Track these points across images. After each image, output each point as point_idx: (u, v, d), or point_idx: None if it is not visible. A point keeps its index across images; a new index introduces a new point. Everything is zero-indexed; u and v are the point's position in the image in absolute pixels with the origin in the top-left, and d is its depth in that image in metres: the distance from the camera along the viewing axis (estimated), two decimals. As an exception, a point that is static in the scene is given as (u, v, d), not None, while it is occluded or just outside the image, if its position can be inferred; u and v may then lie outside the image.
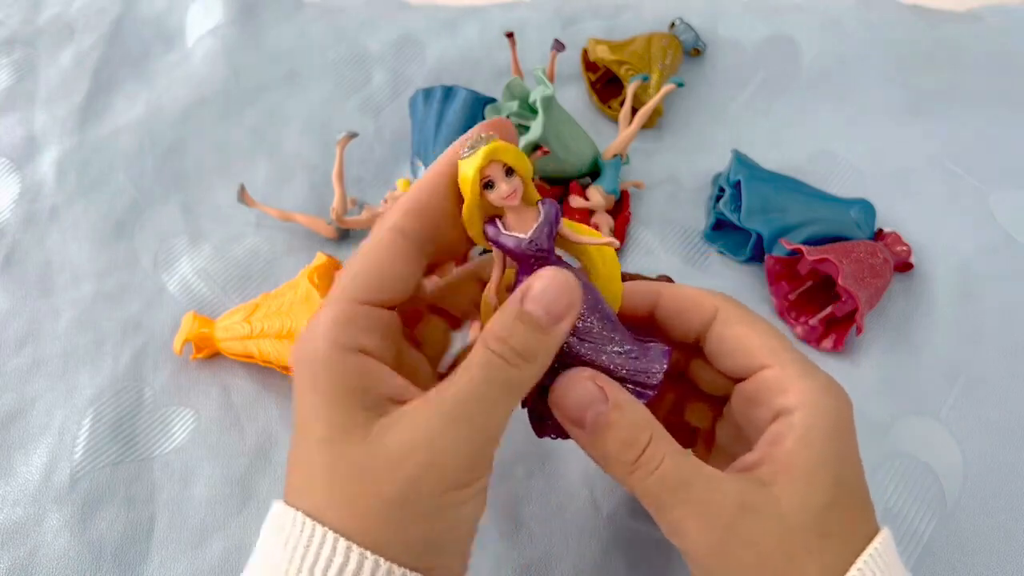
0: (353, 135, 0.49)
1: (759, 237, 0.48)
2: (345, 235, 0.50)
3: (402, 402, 0.26)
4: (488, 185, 0.26)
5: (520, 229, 0.27)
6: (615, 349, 0.28)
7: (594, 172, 0.51)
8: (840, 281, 0.43)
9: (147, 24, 0.62)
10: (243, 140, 0.55)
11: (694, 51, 0.60)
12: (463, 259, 0.36)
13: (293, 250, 0.50)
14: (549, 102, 0.46)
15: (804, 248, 0.45)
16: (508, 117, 0.49)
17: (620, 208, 0.50)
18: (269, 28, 0.62)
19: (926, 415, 0.43)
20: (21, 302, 0.47)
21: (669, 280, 0.45)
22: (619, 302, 0.30)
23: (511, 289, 0.27)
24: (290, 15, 0.62)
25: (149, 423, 0.43)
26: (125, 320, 0.47)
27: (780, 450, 0.27)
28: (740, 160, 0.51)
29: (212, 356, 0.45)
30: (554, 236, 0.27)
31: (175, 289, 0.48)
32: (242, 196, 0.50)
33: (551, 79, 0.52)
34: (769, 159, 0.52)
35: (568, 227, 0.28)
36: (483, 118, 0.51)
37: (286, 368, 0.43)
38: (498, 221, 0.27)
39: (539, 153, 0.46)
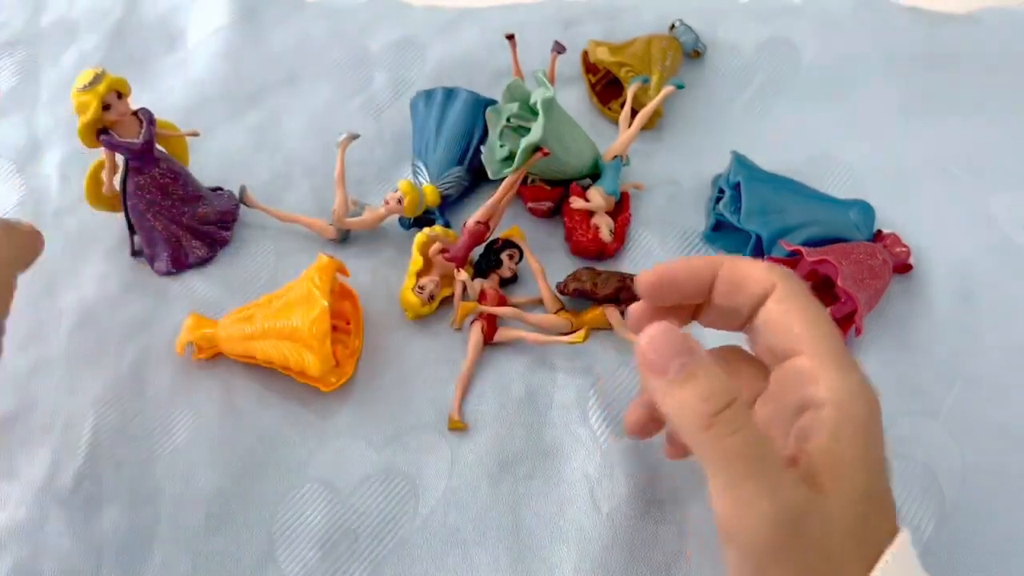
0: (354, 136, 0.49)
1: (759, 238, 0.48)
2: (346, 236, 0.50)
3: None
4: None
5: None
6: (205, 202, 0.47)
7: (594, 174, 0.51)
8: (839, 282, 0.43)
9: (149, 25, 0.62)
10: (245, 141, 0.56)
11: (694, 53, 0.60)
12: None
13: (295, 251, 0.50)
14: (550, 104, 0.47)
15: (803, 249, 0.45)
16: (508, 119, 0.49)
17: (620, 209, 0.50)
18: (271, 29, 0.62)
19: (925, 416, 0.44)
20: (25, 303, 0.47)
21: None
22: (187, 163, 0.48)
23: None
24: (291, 16, 0.63)
25: (151, 423, 0.43)
26: (128, 321, 0.47)
27: (813, 447, 0.27)
28: (740, 161, 0.51)
29: (214, 357, 0.45)
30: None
31: (177, 290, 0.48)
32: (244, 197, 0.50)
33: (551, 81, 0.52)
34: (768, 161, 0.52)
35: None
36: (484, 119, 0.52)
37: (287, 368, 0.43)
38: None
39: (539, 155, 0.46)
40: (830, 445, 0.27)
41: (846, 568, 0.26)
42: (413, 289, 0.46)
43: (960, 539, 0.40)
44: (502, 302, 0.46)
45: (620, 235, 0.49)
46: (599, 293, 0.45)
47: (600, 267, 0.48)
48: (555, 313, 0.46)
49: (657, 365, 0.26)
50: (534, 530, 0.40)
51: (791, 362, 0.29)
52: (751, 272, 0.31)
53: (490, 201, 0.47)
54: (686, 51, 0.59)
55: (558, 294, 0.47)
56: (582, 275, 0.46)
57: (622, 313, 0.46)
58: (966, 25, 0.62)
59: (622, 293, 0.45)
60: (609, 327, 0.46)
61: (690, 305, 0.33)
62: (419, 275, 0.46)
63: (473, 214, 0.48)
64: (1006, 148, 0.55)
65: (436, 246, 0.47)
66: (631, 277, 0.46)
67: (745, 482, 0.25)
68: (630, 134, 0.51)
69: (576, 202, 0.49)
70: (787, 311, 0.29)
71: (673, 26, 0.60)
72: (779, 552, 0.26)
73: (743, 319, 0.32)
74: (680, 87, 0.53)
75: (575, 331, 0.45)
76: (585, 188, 0.50)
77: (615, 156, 0.51)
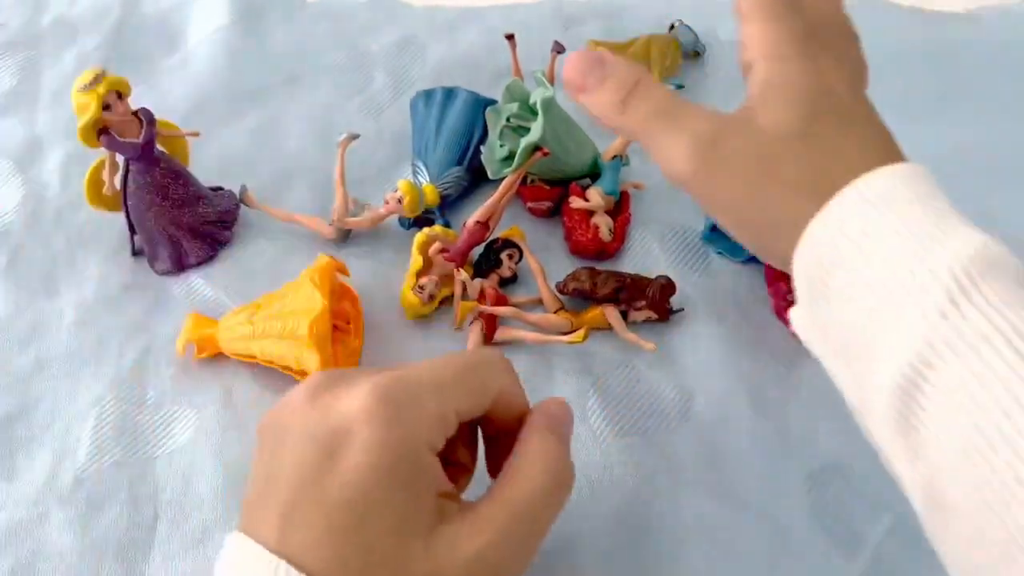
0: (354, 136, 0.49)
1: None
2: (346, 236, 0.50)
3: (447, 496, 0.29)
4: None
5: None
6: (205, 202, 0.48)
7: (594, 173, 0.51)
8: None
9: (149, 26, 0.62)
10: (245, 141, 0.56)
11: (693, 53, 0.60)
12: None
13: (295, 251, 0.50)
14: (549, 104, 0.47)
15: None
16: (508, 119, 0.49)
17: (620, 209, 0.50)
18: (271, 30, 0.62)
19: (925, 415, 0.44)
20: (25, 303, 0.48)
21: (669, 281, 0.46)
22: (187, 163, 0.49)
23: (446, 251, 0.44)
24: (292, 17, 0.63)
25: (152, 423, 0.43)
26: (128, 321, 0.47)
27: (752, 90, 0.31)
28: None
29: (214, 356, 0.45)
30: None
31: (178, 290, 0.48)
32: (244, 197, 0.50)
33: (551, 81, 0.52)
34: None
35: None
36: (484, 119, 0.52)
37: (288, 368, 0.43)
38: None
39: (539, 155, 0.46)
40: (763, 77, 0.31)
41: (788, 169, 0.29)
42: (413, 289, 0.46)
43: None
44: (502, 302, 0.46)
45: (620, 235, 0.49)
46: (598, 293, 0.45)
47: (600, 267, 0.48)
48: (555, 313, 0.46)
49: (578, 83, 0.32)
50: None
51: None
52: None
53: (490, 201, 0.47)
54: (685, 51, 0.59)
55: (557, 294, 0.47)
56: (581, 275, 0.46)
57: (622, 313, 0.46)
58: (966, 24, 0.62)
59: (621, 293, 0.45)
60: (608, 327, 0.46)
61: None
62: (419, 275, 0.46)
63: (473, 214, 0.48)
64: (1006, 147, 0.55)
65: (436, 246, 0.47)
66: (630, 277, 0.46)
67: (663, 135, 0.31)
68: None
69: (575, 202, 0.49)
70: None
71: (673, 26, 0.60)
72: (705, 177, 0.30)
73: None
74: (680, 87, 0.53)
75: (575, 331, 0.45)
76: (584, 188, 0.50)
77: (615, 156, 0.51)
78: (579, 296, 0.46)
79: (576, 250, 0.49)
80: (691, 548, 0.39)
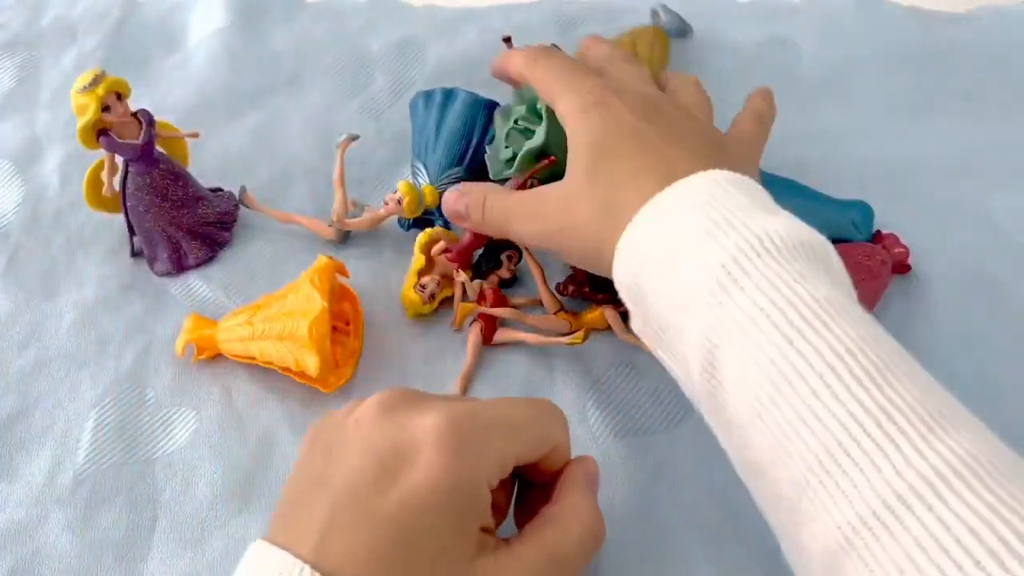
0: (354, 137, 0.49)
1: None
2: (346, 237, 0.50)
3: (487, 531, 0.30)
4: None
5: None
6: (204, 203, 0.49)
7: None
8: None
9: (149, 26, 0.62)
10: (245, 142, 0.56)
11: (680, 34, 0.59)
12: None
13: (294, 252, 0.50)
14: (552, 109, 0.46)
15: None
16: (516, 121, 0.48)
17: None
18: (271, 30, 0.62)
19: (925, 416, 0.44)
20: (24, 304, 0.48)
21: None
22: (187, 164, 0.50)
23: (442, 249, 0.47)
24: (291, 17, 0.63)
25: (151, 424, 0.43)
26: (128, 322, 0.47)
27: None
28: (739, 161, 0.51)
29: (214, 357, 0.45)
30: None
31: (177, 291, 0.48)
32: (244, 197, 0.50)
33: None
34: (766, 160, 0.52)
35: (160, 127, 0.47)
36: (483, 120, 0.52)
37: (287, 369, 0.43)
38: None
39: (546, 163, 0.46)
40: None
41: (581, 207, 0.37)
42: (414, 287, 0.46)
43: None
44: (502, 303, 0.46)
45: None
46: (597, 294, 0.45)
47: None
48: (554, 314, 0.46)
49: (455, 217, 0.43)
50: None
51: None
52: (506, 60, 0.46)
53: None
54: (672, 35, 0.58)
55: (557, 295, 0.47)
56: (580, 275, 0.46)
57: (622, 315, 0.46)
58: (966, 24, 0.62)
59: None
60: (608, 327, 0.46)
61: None
62: (420, 274, 0.46)
63: None
64: (1005, 147, 0.55)
65: (439, 245, 0.47)
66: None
67: (510, 229, 0.41)
68: None
69: None
70: (534, 73, 0.43)
71: (655, 13, 0.58)
72: (542, 240, 0.40)
73: None
74: None
75: (574, 332, 0.45)
76: None
77: None
78: (578, 297, 0.46)
79: None
80: (691, 549, 0.39)
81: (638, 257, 0.33)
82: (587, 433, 0.42)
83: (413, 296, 0.45)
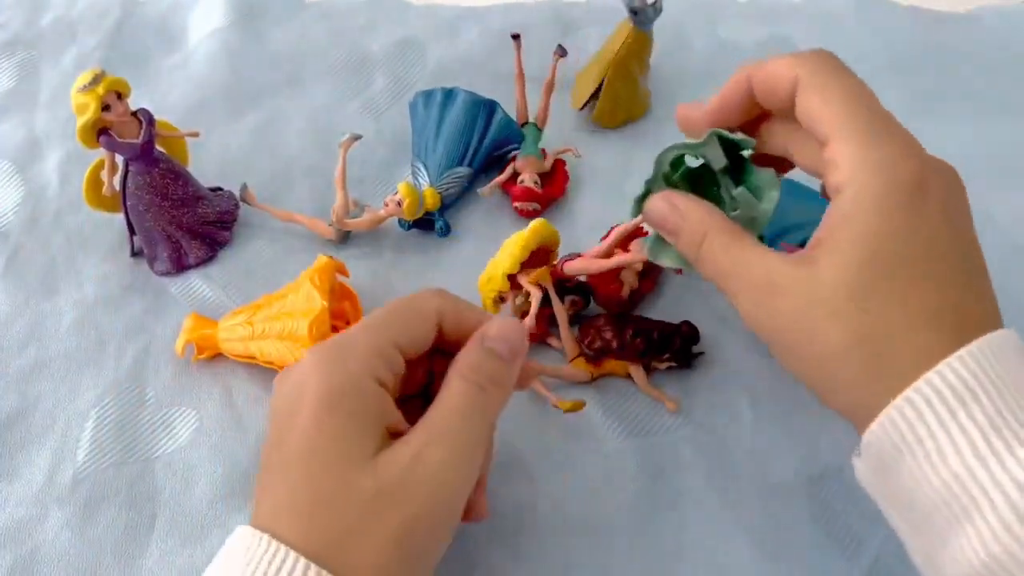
0: (357, 137, 0.49)
1: (759, 237, 0.48)
2: (346, 237, 0.50)
3: (397, 433, 0.30)
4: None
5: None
6: (204, 202, 0.49)
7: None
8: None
9: (149, 26, 0.62)
10: (244, 141, 0.56)
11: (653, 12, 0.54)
12: None
13: (294, 251, 0.50)
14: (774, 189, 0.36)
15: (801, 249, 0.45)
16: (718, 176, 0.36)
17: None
18: (271, 30, 0.62)
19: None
20: (24, 304, 0.48)
21: (692, 329, 0.44)
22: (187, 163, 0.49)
23: None
24: (292, 17, 0.63)
25: (151, 424, 0.43)
26: (128, 321, 0.47)
27: (825, 230, 0.28)
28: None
29: (214, 357, 0.45)
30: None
31: (177, 290, 0.48)
32: (245, 195, 0.50)
33: (551, 86, 0.52)
34: (769, 160, 0.52)
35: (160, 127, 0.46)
36: (482, 120, 0.52)
37: (287, 369, 0.43)
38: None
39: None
40: (837, 223, 0.28)
41: (834, 332, 0.27)
42: (494, 299, 0.44)
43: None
44: (541, 335, 0.45)
45: (651, 276, 0.47)
46: (626, 353, 0.43)
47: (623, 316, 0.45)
48: (572, 360, 0.44)
49: (659, 228, 0.34)
50: (536, 535, 0.39)
51: (822, 154, 0.29)
52: (775, 71, 0.31)
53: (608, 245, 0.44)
54: (647, 21, 0.54)
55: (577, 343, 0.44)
56: (606, 332, 0.43)
57: (647, 368, 0.44)
58: (966, 24, 0.62)
59: (649, 349, 0.43)
60: (627, 376, 0.44)
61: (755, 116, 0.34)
62: (512, 281, 0.43)
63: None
64: (1007, 147, 0.55)
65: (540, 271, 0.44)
66: (657, 330, 0.43)
67: (726, 290, 0.31)
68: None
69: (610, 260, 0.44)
70: (810, 100, 0.29)
71: (636, 12, 0.53)
72: (757, 326, 0.30)
73: (790, 121, 0.32)
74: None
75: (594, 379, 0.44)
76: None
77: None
78: (604, 355, 0.43)
79: (603, 303, 0.46)
80: (693, 550, 0.39)
81: (906, 429, 0.26)
82: (589, 435, 0.42)
83: (488, 301, 0.44)
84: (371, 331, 0.31)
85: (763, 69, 0.31)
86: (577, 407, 0.41)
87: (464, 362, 0.31)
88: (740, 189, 0.33)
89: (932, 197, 0.27)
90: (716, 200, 0.34)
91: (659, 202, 0.33)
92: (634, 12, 0.53)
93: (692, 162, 0.35)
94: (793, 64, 0.30)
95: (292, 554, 0.26)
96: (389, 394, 0.30)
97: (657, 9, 0.53)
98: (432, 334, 0.33)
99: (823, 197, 0.31)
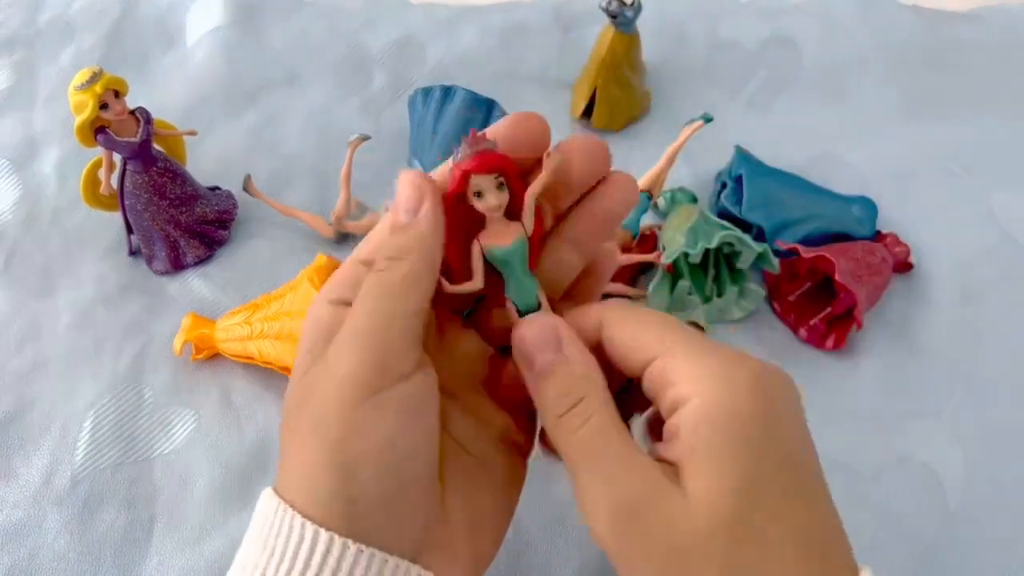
0: (366, 137, 0.49)
1: (760, 231, 0.48)
2: (344, 237, 0.50)
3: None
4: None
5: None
6: (202, 201, 0.48)
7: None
8: (836, 277, 0.43)
9: (147, 25, 0.62)
10: (243, 140, 0.55)
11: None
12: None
13: (293, 251, 0.50)
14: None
15: (800, 247, 0.45)
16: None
17: (646, 245, 0.49)
18: (269, 28, 0.62)
19: (928, 417, 0.43)
20: (22, 303, 0.47)
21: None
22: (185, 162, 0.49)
23: None
24: (290, 15, 0.62)
25: (149, 424, 0.43)
26: (125, 321, 0.47)
27: (679, 447, 0.24)
28: (742, 155, 0.51)
29: (212, 357, 0.45)
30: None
31: (175, 290, 0.48)
32: (248, 186, 0.50)
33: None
34: (769, 159, 0.52)
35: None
36: (480, 118, 0.51)
37: (286, 369, 0.43)
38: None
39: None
40: (689, 438, 0.24)
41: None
42: None
43: (963, 541, 0.39)
44: None
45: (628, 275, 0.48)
46: None
47: None
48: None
49: (526, 357, 0.27)
50: (533, 535, 0.39)
51: (647, 372, 0.26)
52: (583, 314, 0.28)
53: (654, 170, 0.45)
54: (627, 22, 0.53)
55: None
56: None
57: None
58: (968, 23, 0.62)
59: None
60: None
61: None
62: None
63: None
64: (1008, 146, 0.55)
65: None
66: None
67: (583, 473, 0.25)
68: (658, 169, 0.49)
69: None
70: (627, 329, 0.26)
71: (614, 16, 0.53)
72: (620, 542, 0.24)
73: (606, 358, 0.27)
74: (709, 120, 0.49)
75: None
76: None
77: (643, 190, 0.49)
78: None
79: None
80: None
81: None
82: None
83: None
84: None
85: (574, 318, 0.28)
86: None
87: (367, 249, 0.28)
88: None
89: (787, 415, 0.25)
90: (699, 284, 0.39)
91: (545, 327, 0.26)
92: (612, 16, 0.52)
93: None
94: (594, 313, 0.27)
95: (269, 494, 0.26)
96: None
97: (636, 9, 0.52)
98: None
99: (651, 430, 0.28)
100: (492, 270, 0.27)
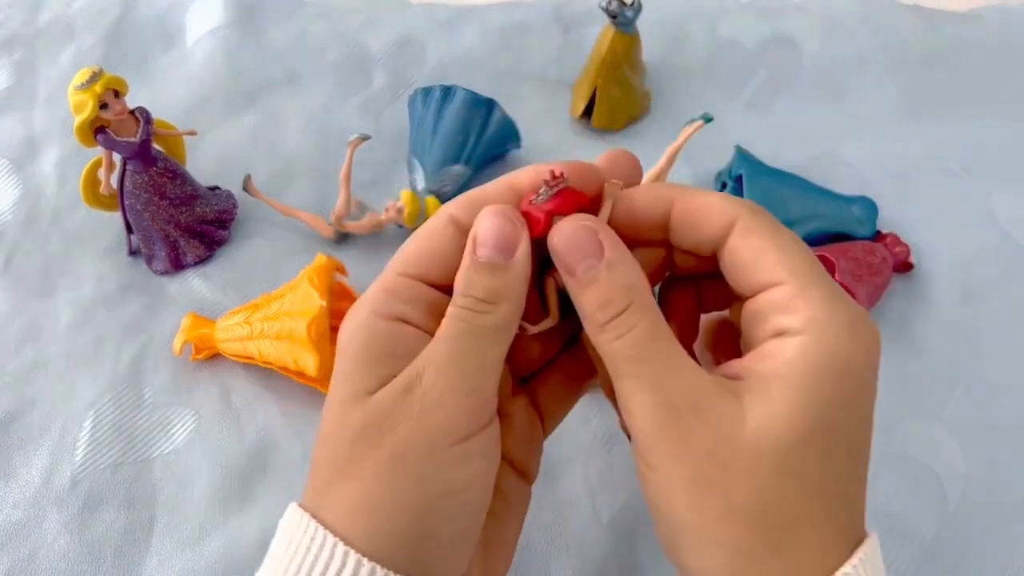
0: (366, 137, 0.49)
1: None
2: (344, 237, 0.50)
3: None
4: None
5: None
6: (202, 201, 0.48)
7: None
8: (837, 277, 0.43)
9: (147, 25, 0.62)
10: (243, 140, 0.55)
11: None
12: None
13: (293, 251, 0.50)
14: None
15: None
16: None
17: None
18: (269, 28, 0.62)
19: (928, 417, 0.43)
20: (21, 303, 0.47)
21: None
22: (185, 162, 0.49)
23: None
24: (290, 15, 0.62)
25: (149, 424, 0.43)
26: (125, 321, 0.46)
27: (762, 368, 0.24)
28: (742, 155, 0.51)
29: (212, 357, 0.45)
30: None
31: (175, 290, 0.48)
32: (247, 186, 0.50)
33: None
34: (769, 159, 0.52)
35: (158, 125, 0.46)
36: (480, 118, 0.51)
37: (286, 369, 0.43)
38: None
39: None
40: (779, 369, 0.23)
41: (746, 498, 0.23)
42: None
43: (962, 542, 0.39)
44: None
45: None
46: None
47: None
48: None
49: (567, 264, 0.25)
50: (532, 536, 0.39)
51: (766, 293, 0.25)
52: (709, 204, 0.26)
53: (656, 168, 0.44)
54: (627, 21, 0.53)
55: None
56: None
57: None
58: (968, 23, 0.62)
59: None
60: None
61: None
62: None
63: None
64: (1008, 146, 0.55)
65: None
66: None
67: (625, 380, 0.25)
68: (657, 171, 0.48)
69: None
70: (755, 244, 0.25)
71: (615, 16, 0.53)
72: (658, 450, 0.24)
73: (705, 261, 0.27)
74: (708, 120, 0.49)
75: None
76: None
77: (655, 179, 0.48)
78: None
79: None
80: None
81: None
82: (588, 436, 0.42)
83: None
84: (384, 272, 0.28)
85: (695, 200, 0.27)
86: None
87: (456, 286, 0.26)
88: None
89: (871, 371, 0.24)
90: None
91: (585, 231, 0.25)
92: (612, 16, 0.52)
93: None
94: (729, 204, 0.26)
95: (292, 508, 0.25)
96: (414, 327, 0.26)
97: (636, 9, 0.52)
98: (450, 246, 0.27)
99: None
100: (567, 307, 0.27)
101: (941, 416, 0.43)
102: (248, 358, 0.43)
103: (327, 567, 0.24)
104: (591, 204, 0.26)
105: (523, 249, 0.26)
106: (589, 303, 0.25)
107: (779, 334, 0.24)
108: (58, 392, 0.44)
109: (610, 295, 0.25)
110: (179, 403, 0.43)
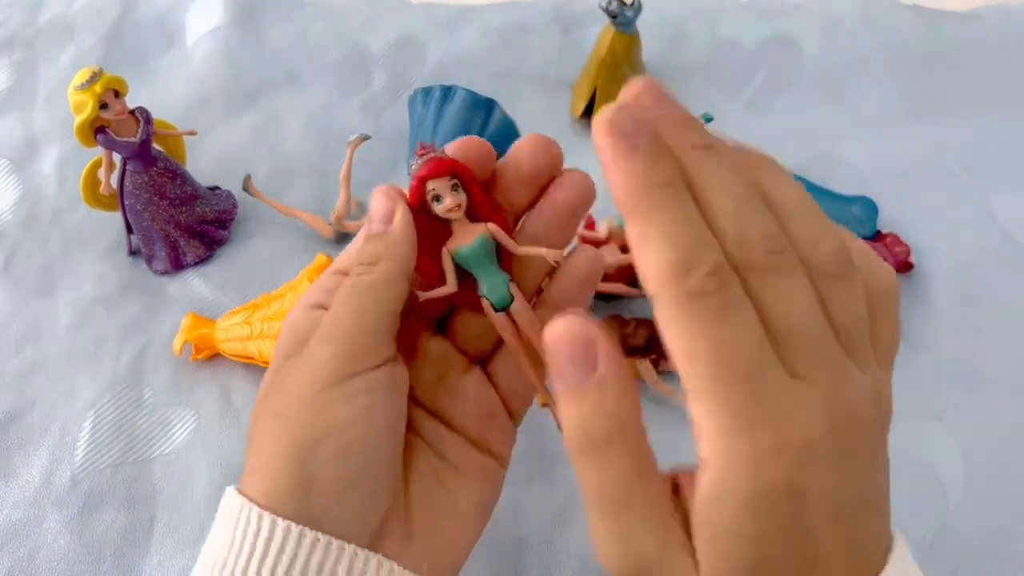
0: (366, 137, 0.49)
1: None
2: (344, 237, 0.50)
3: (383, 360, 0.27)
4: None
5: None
6: (202, 201, 0.48)
7: None
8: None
9: (147, 25, 0.62)
10: (243, 140, 0.55)
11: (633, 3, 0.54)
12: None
13: (293, 251, 0.50)
14: None
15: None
16: None
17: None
18: (269, 28, 0.62)
19: (928, 417, 0.43)
20: (21, 303, 0.47)
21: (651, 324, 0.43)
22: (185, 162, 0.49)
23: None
24: (290, 15, 0.62)
25: (149, 424, 0.43)
26: (125, 321, 0.46)
27: (696, 501, 0.22)
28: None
29: (212, 357, 0.45)
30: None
31: (175, 290, 0.48)
32: (247, 186, 0.50)
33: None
34: (769, 159, 0.52)
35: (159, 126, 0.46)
36: (480, 118, 0.51)
37: (286, 369, 0.43)
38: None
39: None
40: (700, 510, 0.22)
41: None
42: None
43: (962, 542, 0.39)
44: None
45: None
46: (629, 344, 0.43)
47: (628, 314, 0.45)
48: None
49: (553, 364, 0.22)
50: (532, 536, 0.39)
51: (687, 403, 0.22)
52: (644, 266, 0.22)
53: None
54: (627, 21, 0.53)
55: None
56: (611, 324, 0.43)
57: (654, 363, 0.43)
58: (968, 23, 0.62)
59: (653, 344, 0.42)
60: (636, 375, 0.43)
61: None
62: None
63: None
64: (1008, 146, 0.55)
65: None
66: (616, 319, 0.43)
67: (601, 519, 0.22)
68: None
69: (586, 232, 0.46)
70: (668, 337, 0.21)
71: (615, 16, 0.53)
72: None
73: None
74: (709, 120, 0.49)
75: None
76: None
77: None
78: (636, 353, 0.43)
79: None
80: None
81: None
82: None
83: None
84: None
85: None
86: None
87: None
88: None
89: (812, 495, 0.22)
90: None
91: (577, 333, 0.22)
92: (612, 16, 0.52)
93: None
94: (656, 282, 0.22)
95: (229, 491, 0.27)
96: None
97: (636, 9, 0.52)
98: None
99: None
100: (465, 275, 0.28)
101: (941, 416, 0.43)
102: (248, 358, 0.43)
103: (237, 523, 0.26)
104: (467, 174, 0.28)
105: (400, 215, 0.28)
106: (568, 419, 0.22)
107: (701, 455, 0.22)
108: (58, 392, 0.44)
109: (593, 422, 0.22)
110: (179, 403, 0.43)
